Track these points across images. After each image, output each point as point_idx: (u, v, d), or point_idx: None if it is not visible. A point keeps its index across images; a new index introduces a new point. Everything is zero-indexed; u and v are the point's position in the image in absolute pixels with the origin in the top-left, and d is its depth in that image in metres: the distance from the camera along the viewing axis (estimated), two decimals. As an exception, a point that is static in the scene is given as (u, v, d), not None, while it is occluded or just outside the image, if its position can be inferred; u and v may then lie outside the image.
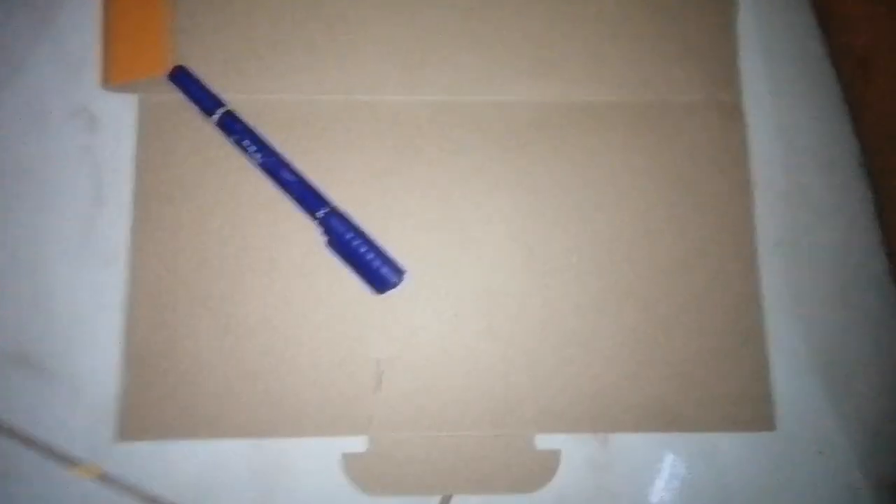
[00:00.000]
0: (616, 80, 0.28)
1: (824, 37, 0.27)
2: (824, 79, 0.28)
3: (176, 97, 0.27)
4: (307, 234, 0.26)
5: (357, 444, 0.25)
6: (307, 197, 0.26)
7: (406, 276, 0.26)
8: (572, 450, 0.25)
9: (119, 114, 0.28)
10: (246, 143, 0.27)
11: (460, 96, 0.28)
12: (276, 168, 0.27)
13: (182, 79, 0.27)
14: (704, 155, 0.28)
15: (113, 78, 0.27)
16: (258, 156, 0.27)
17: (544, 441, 0.26)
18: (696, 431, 0.25)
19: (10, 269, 0.26)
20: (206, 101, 0.27)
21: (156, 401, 0.25)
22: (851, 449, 0.26)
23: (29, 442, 0.25)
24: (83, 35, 0.28)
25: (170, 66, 0.27)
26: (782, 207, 0.27)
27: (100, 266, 0.26)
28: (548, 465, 0.25)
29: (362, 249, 0.26)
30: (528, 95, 0.28)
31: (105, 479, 0.25)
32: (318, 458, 0.25)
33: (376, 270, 0.26)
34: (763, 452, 0.26)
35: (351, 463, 0.25)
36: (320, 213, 0.26)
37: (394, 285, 0.26)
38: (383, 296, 0.26)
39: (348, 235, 0.26)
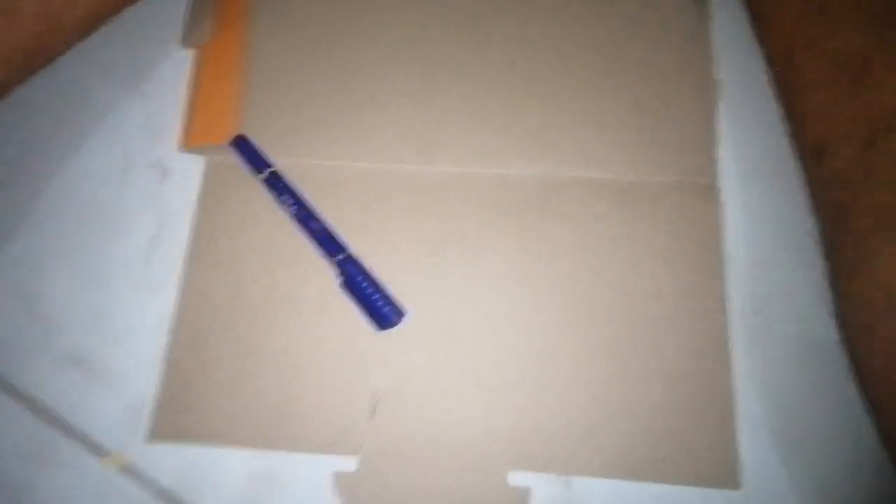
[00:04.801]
0: (603, 161, 0.32)
1: (786, 126, 0.30)
2: (787, 165, 0.31)
3: (235, 160, 0.33)
4: (325, 275, 0.31)
5: (347, 464, 0.28)
6: (329, 243, 0.31)
7: (406, 318, 0.30)
8: (541, 489, 0.27)
9: (186, 170, 0.34)
10: (284, 197, 0.32)
11: (466, 168, 0.33)
12: (306, 218, 0.32)
13: (240, 145, 0.33)
14: (681, 230, 0.31)
15: (188, 143, 0.34)
16: (293, 208, 0.32)
17: (516, 478, 0.28)
18: (662, 483, 0.27)
19: (80, 285, 0.31)
20: (256, 162, 0.33)
21: (181, 409, 0.29)
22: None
23: (71, 431, 0.29)
24: (168, 105, 0.35)
25: (233, 135, 0.34)
26: (749, 279, 0.30)
27: (150, 291, 0.31)
28: (518, 500, 0.27)
29: (370, 290, 0.30)
30: (525, 170, 0.32)
31: (127, 470, 0.28)
32: (311, 472, 0.28)
33: (380, 309, 0.30)
34: (724, 510, 0.27)
35: (339, 480, 0.28)
36: (338, 258, 0.31)
37: (394, 324, 0.30)
38: (385, 333, 0.30)
39: (359, 278, 0.30)
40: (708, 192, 0.31)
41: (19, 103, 0.33)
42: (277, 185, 0.32)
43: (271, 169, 0.33)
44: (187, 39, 0.36)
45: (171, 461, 0.29)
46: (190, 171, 0.34)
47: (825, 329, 0.28)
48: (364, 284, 0.30)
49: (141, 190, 0.33)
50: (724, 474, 0.27)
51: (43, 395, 0.30)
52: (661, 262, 0.30)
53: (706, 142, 0.32)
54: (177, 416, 0.29)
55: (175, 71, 0.35)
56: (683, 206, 0.31)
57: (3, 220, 0.32)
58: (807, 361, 0.28)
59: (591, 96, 0.33)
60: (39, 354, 0.30)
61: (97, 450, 0.29)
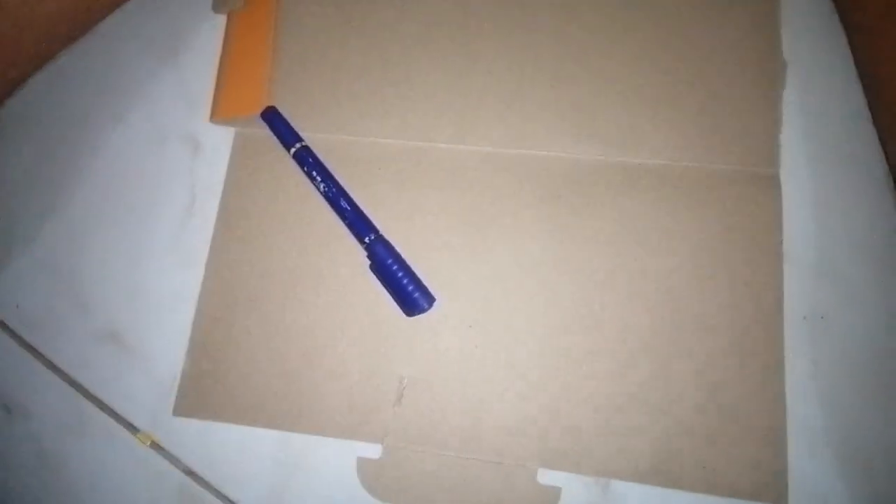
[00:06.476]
0: (655, 146, 0.30)
1: (872, 115, 0.27)
2: (862, 159, 0.28)
3: (265, 132, 0.32)
4: (354, 257, 0.30)
5: (371, 450, 0.27)
6: (359, 224, 0.30)
7: (436, 304, 0.29)
8: (572, 490, 0.26)
9: (218, 143, 0.33)
10: (314, 174, 0.31)
11: (504, 149, 0.31)
12: (336, 197, 0.30)
13: (271, 117, 0.32)
14: (737, 223, 0.29)
15: (218, 114, 0.33)
16: (322, 185, 0.31)
17: (546, 476, 0.26)
18: (702, 493, 0.25)
19: (111, 261, 0.31)
20: (287, 136, 0.32)
21: (208, 386, 0.29)
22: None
23: (103, 406, 0.29)
24: (201, 77, 0.34)
25: (263, 106, 0.32)
26: (811, 282, 0.27)
27: (182, 266, 0.31)
28: (547, 500, 0.26)
29: (400, 274, 0.29)
30: (566, 153, 0.30)
31: (156, 447, 0.28)
32: (334, 457, 0.28)
33: (410, 294, 0.29)
34: (770, 526, 0.25)
35: (363, 467, 0.27)
36: (368, 239, 0.29)
37: (424, 310, 0.29)
38: (413, 319, 0.29)
39: (389, 261, 0.29)
40: (768, 183, 0.29)
41: (63, 71, 0.33)
42: (307, 161, 0.31)
43: (302, 143, 0.31)
44: (218, 4, 0.34)
45: (198, 438, 0.28)
46: (222, 143, 0.33)
47: (893, 339, 0.25)
48: (394, 268, 0.29)
49: (174, 163, 0.33)
50: (770, 487, 0.25)
51: (78, 369, 0.30)
52: (713, 257, 0.28)
53: (768, 127, 0.30)
54: (202, 393, 0.29)
55: (210, 39, 0.34)
56: (740, 197, 0.29)
57: (41, 196, 0.32)
58: (870, 373, 0.26)
59: (643, 74, 0.31)
60: (75, 329, 0.30)
61: (128, 424, 0.29)
